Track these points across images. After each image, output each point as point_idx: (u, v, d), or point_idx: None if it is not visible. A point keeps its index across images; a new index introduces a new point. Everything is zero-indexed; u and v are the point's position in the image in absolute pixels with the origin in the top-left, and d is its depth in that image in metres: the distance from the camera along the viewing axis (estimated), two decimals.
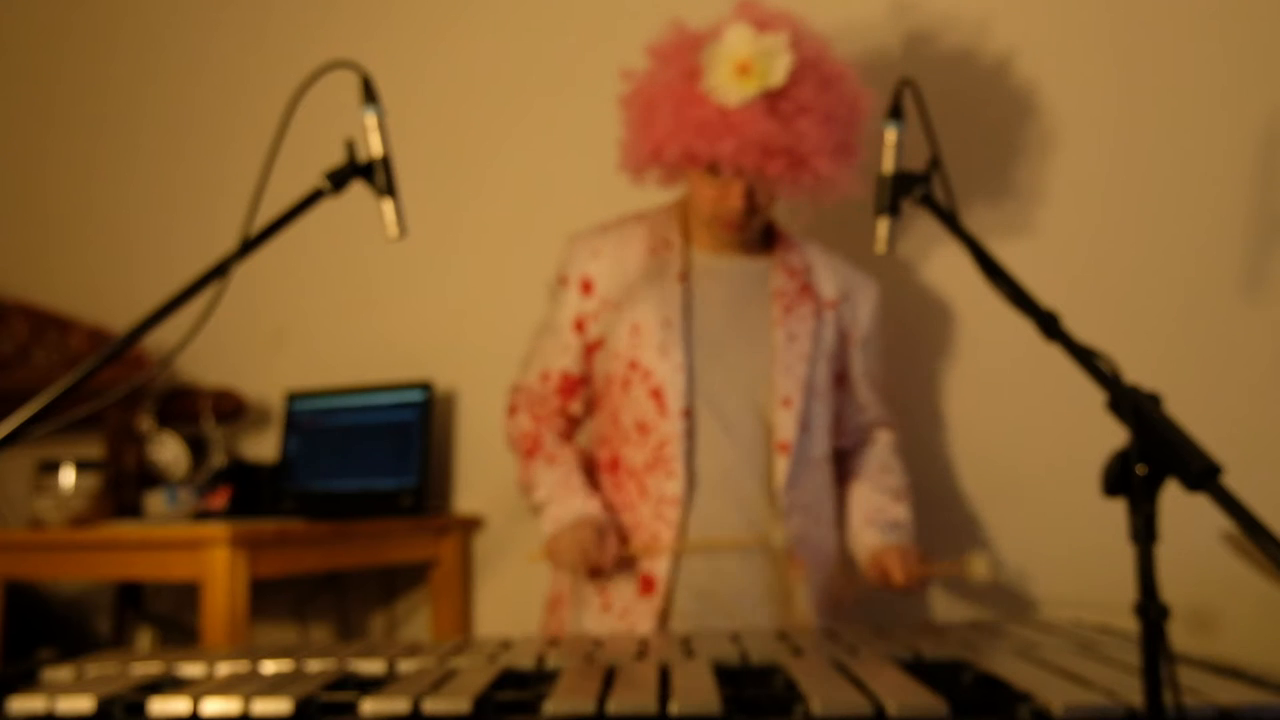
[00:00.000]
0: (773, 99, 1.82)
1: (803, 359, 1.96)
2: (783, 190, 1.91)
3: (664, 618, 1.91)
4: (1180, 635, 1.05)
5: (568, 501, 1.93)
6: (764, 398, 1.94)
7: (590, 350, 2.01)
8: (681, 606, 1.90)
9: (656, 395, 1.92)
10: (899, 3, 2.39)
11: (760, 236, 2.03)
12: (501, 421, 2.10)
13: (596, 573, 1.92)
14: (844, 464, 2.11)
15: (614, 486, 1.97)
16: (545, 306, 2.07)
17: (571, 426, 2.07)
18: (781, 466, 1.92)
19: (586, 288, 2.00)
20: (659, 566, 1.91)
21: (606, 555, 1.88)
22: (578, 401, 2.04)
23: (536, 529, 1.98)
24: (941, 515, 2.26)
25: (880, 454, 2.10)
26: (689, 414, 1.91)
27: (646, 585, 1.91)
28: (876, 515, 2.01)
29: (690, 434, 1.91)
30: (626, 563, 1.92)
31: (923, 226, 2.19)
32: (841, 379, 2.06)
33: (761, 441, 1.93)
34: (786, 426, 1.93)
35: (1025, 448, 2.25)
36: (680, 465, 1.90)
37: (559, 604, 2.05)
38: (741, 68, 1.80)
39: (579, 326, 2.01)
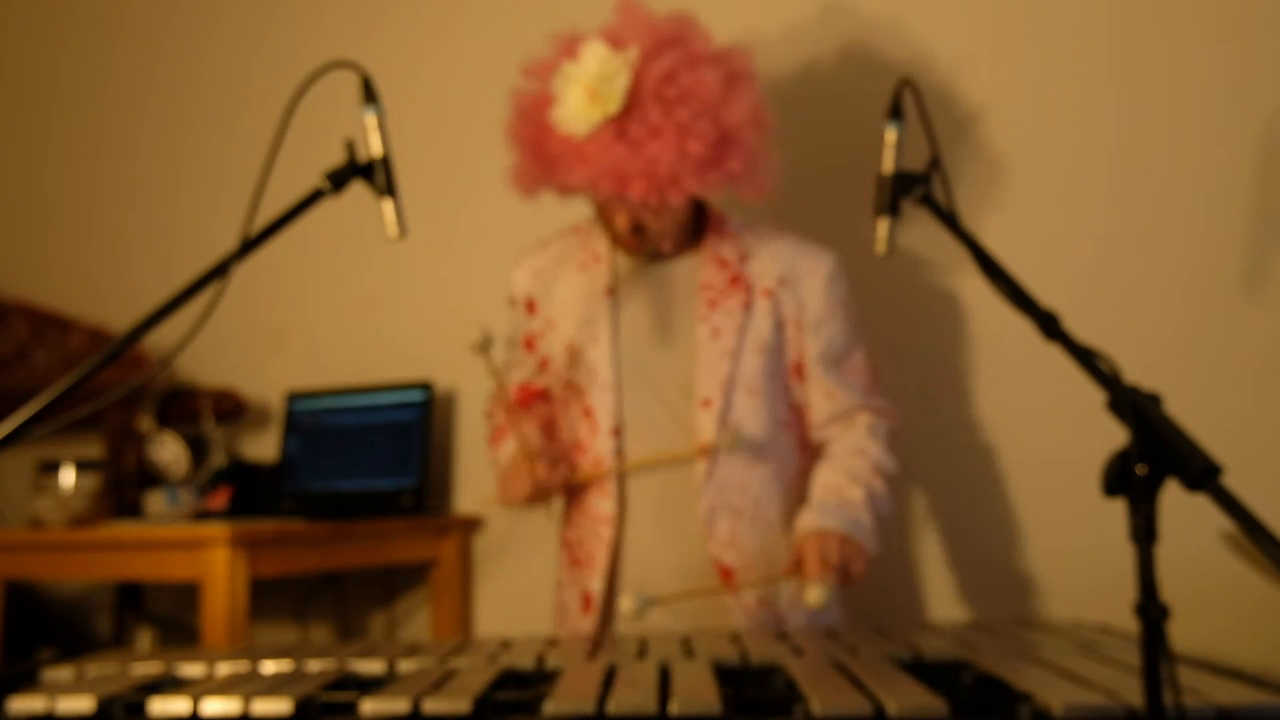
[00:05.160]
0: (621, 123, 1.70)
1: (725, 355, 1.86)
2: (667, 210, 1.81)
3: (603, 625, 1.89)
4: (1180, 635, 1.05)
5: (510, 442, 1.94)
6: (685, 402, 1.88)
7: (543, 367, 2.00)
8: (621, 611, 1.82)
9: (588, 415, 1.90)
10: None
11: (688, 234, 1.93)
12: None
13: (540, 498, 1.87)
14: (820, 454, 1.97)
15: (569, 502, 1.98)
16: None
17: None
18: (699, 469, 1.85)
19: (530, 307, 2.00)
20: (594, 584, 1.88)
21: (554, 478, 1.85)
22: (544, 407, 2.02)
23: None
24: (947, 513, 2.26)
25: (854, 438, 1.90)
26: (618, 433, 1.88)
27: (585, 602, 1.90)
28: (826, 497, 1.84)
29: (620, 453, 1.88)
30: (574, 490, 1.92)
31: (927, 227, 2.19)
32: (800, 369, 1.92)
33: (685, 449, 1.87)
34: (705, 429, 1.85)
35: (1029, 447, 2.25)
36: (612, 484, 1.88)
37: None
38: (590, 94, 1.70)
39: (529, 345, 2.01)
